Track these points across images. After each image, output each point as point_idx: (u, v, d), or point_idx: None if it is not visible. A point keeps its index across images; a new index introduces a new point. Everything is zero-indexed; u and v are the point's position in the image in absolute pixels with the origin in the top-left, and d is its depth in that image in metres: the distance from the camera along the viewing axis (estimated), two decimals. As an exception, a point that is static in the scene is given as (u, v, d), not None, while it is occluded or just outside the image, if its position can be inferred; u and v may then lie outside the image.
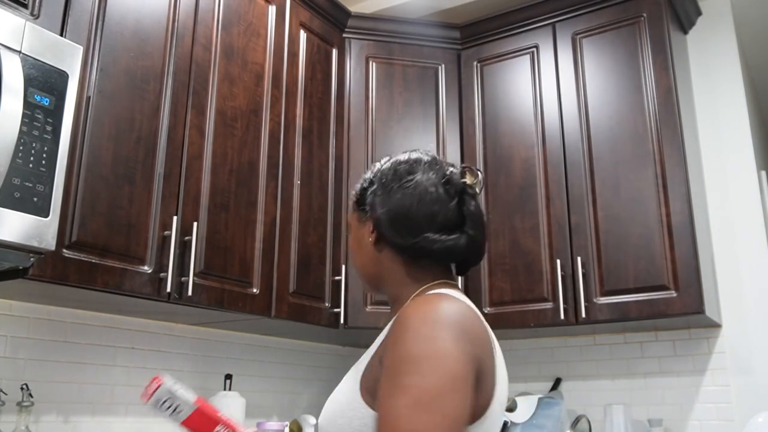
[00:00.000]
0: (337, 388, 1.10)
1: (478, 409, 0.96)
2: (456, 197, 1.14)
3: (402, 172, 1.15)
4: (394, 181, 1.14)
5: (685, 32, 2.92)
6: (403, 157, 1.19)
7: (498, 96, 2.89)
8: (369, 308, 2.60)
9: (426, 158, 1.17)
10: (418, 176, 1.13)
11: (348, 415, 0.99)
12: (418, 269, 1.13)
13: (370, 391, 0.98)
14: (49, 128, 1.55)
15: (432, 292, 1.07)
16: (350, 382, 1.05)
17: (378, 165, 1.22)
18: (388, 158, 1.22)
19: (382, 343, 1.04)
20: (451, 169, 1.18)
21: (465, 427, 0.88)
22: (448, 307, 0.97)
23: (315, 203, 2.57)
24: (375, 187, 1.17)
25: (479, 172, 1.21)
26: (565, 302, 2.49)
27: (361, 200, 1.20)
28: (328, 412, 1.06)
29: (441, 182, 1.14)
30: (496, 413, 1.01)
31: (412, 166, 1.16)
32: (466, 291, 2.70)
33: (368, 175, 1.21)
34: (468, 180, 1.18)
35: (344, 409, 1.01)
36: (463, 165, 1.21)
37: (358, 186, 1.23)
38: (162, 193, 1.96)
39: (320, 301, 2.51)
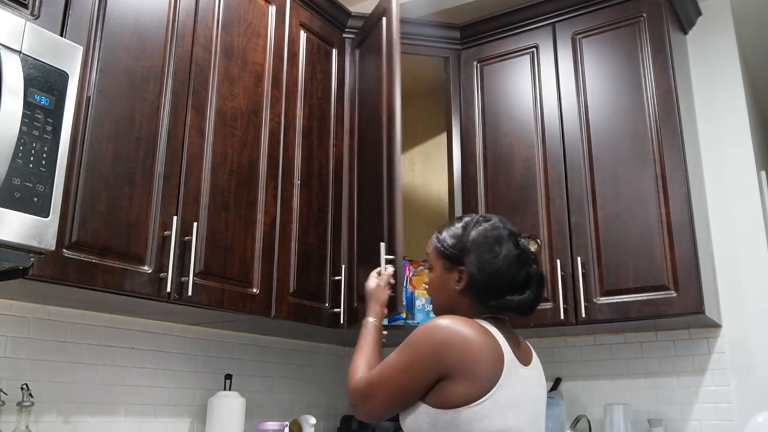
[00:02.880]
0: None
1: (467, 397, 1.36)
2: (526, 264, 1.52)
3: (491, 242, 1.51)
4: (485, 251, 1.51)
5: (685, 32, 2.92)
6: (487, 225, 1.55)
7: (498, 96, 2.89)
8: (369, 308, 2.60)
9: (505, 231, 1.53)
10: (504, 249, 1.50)
11: (418, 419, 1.41)
12: (485, 309, 1.53)
13: (433, 394, 1.40)
14: (49, 128, 1.55)
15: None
16: None
17: (466, 224, 1.58)
18: (473, 219, 1.58)
19: None
20: (522, 240, 1.54)
21: (397, 393, 1.43)
22: (451, 324, 1.40)
23: (315, 203, 2.57)
24: (467, 248, 1.53)
25: (539, 241, 1.57)
26: (565, 302, 2.49)
27: (450, 254, 1.55)
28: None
29: (518, 253, 1.51)
30: (499, 402, 1.38)
31: (497, 237, 1.52)
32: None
33: (457, 230, 1.57)
34: (533, 248, 1.54)
35: (412, 413, 1.44)
36: (528, 234, 1.57)
37: (446, 237, 1.58)
38: (162, 193, 1.96)
39: (320, 301, 2.51)
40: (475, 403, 1.35)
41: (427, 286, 1.62)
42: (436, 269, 1.58)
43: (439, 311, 1.58)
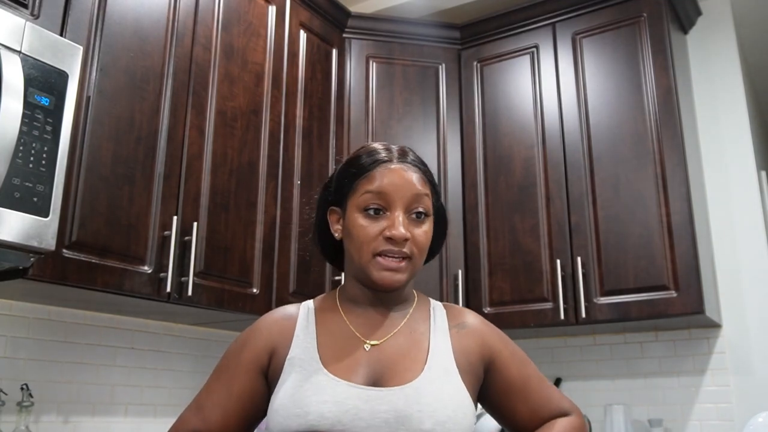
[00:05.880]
0: (426, 388, 1.06)
1: None
2: None
3: None
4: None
5: (685, 32, 2.92)
6: None
7: (498, 96, 2.89)
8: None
9: None
10: None
11: (467, 416, 1.08)
12: None
13: (473, 388, 1.13)
14: (49, 128, 1.55)
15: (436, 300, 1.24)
16: (455, 385, 1.09)
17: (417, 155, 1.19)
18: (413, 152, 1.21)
19: (463, 345, 1.15)
20: None
21: None
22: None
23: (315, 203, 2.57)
24: (436, 187, 1.19)
25: None
26: (565, 302, 2.49)
27: (435, 194, 1.18)
28: (444, 416, 1.04)
29: None
30: None
31: None
32: (466, 291, 2.71)
33: (428, 167, 1.20)
34: None
35: (463, 409, 1.08)
36: None
37: (429, 170, 1.19)
38: (162, 193, 1.96)
39: (320, 301, 2.51)
40: None
41: (423, 239, 1.13)
42: (430, 217, 1.16)
43: (411, 278, 1.15)
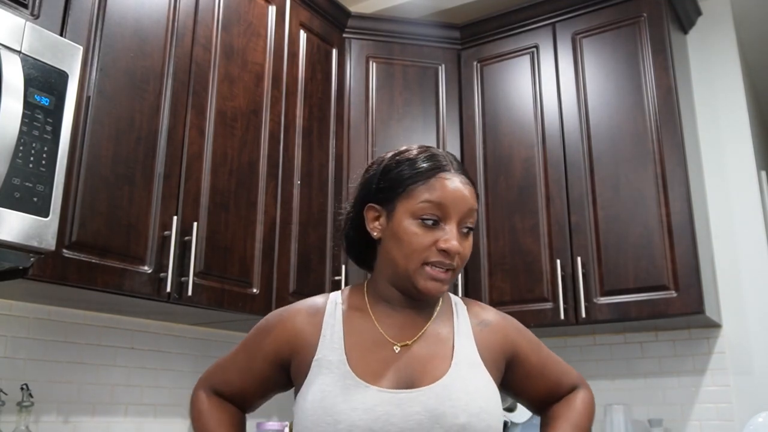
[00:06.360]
0: (456, 384, 1.08)
1: None
2: None
3: None
4: None
5: (685, 32, 2.92)
6: None
7: (498, 96, 2.89)
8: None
9: None
10: None
11: (498, 406, 1.11)
12: None
13: (497, 381, 1.16)
14: (49, 128, 1.55)
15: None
16: (483, 378, 1.12)
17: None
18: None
19: (487, 341, 1.17)
20: None
21: None
22: None
23: (315, 203, 2.57)
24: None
25: None
26: (565, 302, 2.49)
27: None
28: (477, 408, 1.06)
29: None
30: None
31: None
32: (466, 291, 2.71)
33: None
34: None
35: (494, 400, 1.11)
36: None
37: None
38: (162, 193, 1.96)
39: (320, 301, 2.51)
40: None
41: (468, 253, 1.15)
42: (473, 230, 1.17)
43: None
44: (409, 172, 1.12)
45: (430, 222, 1.09)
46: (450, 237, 1.09)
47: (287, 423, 2.45)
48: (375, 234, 1.15)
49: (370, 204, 1.16)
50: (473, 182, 1.16)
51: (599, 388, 2.75)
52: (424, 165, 1.12)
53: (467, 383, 1.08)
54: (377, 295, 1.17)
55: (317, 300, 1.20)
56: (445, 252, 1.08)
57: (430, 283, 1.09)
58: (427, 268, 1.09)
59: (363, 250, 1.21)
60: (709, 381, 2.57)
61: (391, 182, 1.13)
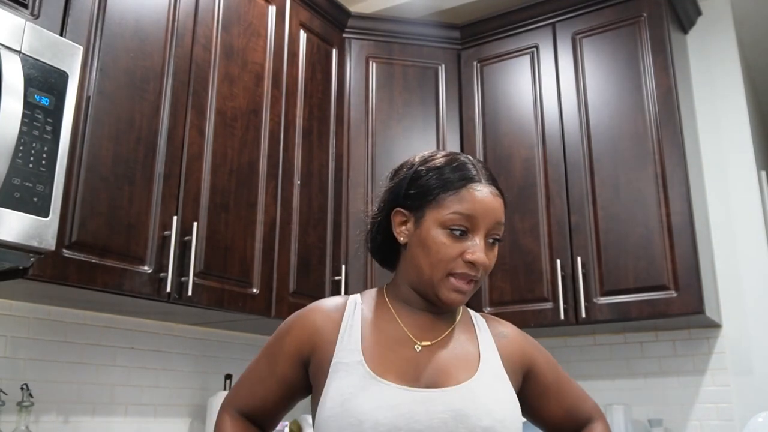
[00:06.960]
0: (482, 389, 1.08)
1: None
2: None
3: None
4: None
5: (685, 32, 2.92)
6: None
7: (498, 96, 2.89)
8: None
9: None
10: None
11: (519, 421, 1.11)
12: None
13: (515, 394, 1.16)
14: (49, 128, 1.55)
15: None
16: (508, 391, 1.12)
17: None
18: None
19: (507, 353, 1.17)
20: None
21: None
22: None
23: (315, 203, 2.57)
24: None
25: None
26: (565, 302, 2.49)
27: None
28: (502, 415, 1.06)
29: None
30: None
31: None
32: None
33: None
34: None
35: (517, 412, 1.11)
36: None
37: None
38: (162, 193, 1.96)
39: (320, 301, 2.51)
40: None
41: (492, 264, 1.15)
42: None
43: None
44: (440, 181, 1.11)
45: (458, 233, 1.08)
46: (477, 249, 1.08)
47: (287, 423, 2.45)
48: (401, 239, 1.14)
49: (398, 209, 1.15)
50: (502, 193, 1.15)
51: (599, 388, 2.75)
52: (456, 174, 1.11)
53: (493, 391, 1.08)
54: (398, 297, 1.18)
55: (337, 300, 1.20)
56: (471, 264, 1.08)
57: (453, 295, 1.09)
58: (452, 279, 1.09)
59: (387, 252, 1.21)
60: (709, 381, 2.57)
61: (421, 189, 1.12)
